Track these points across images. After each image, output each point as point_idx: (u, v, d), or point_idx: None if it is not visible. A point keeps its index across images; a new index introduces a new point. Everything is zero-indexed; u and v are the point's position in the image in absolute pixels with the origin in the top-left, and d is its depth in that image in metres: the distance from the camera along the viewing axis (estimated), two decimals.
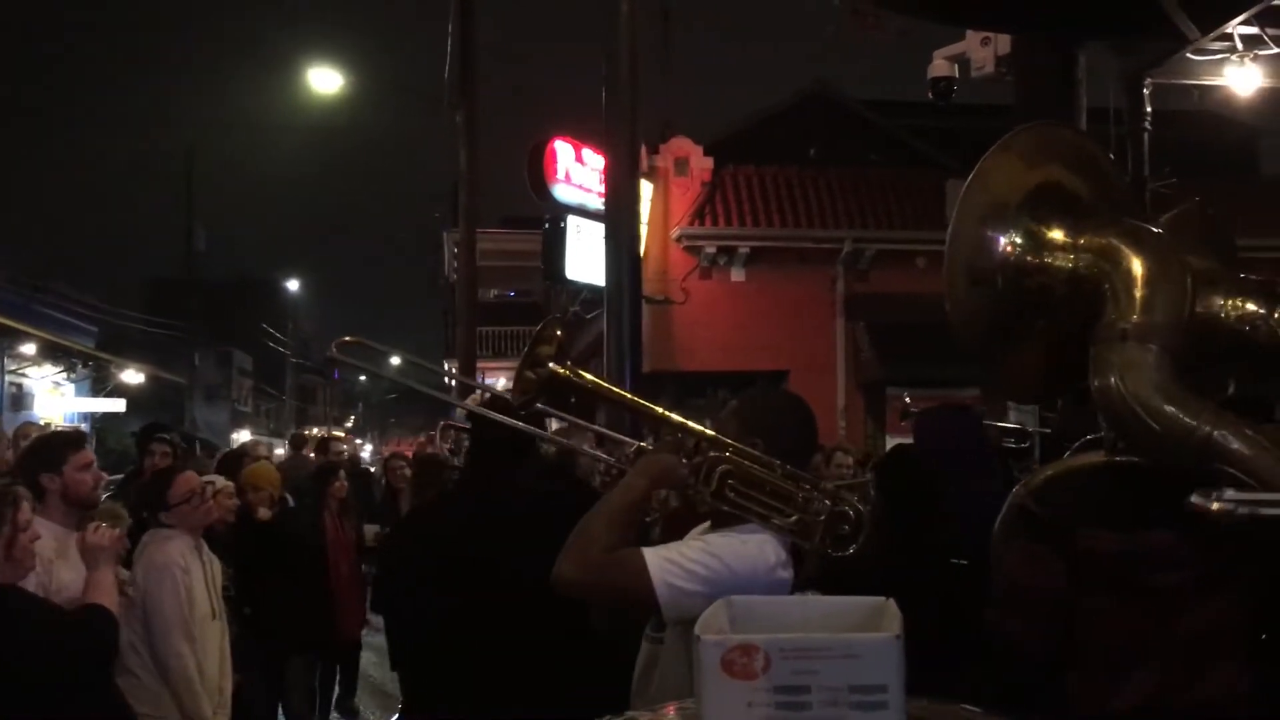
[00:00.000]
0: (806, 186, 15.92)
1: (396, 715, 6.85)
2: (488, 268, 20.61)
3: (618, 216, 5.90)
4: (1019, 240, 2.36)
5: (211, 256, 45.59)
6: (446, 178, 20.46)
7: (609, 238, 6.00)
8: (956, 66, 8.79)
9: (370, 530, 7.40)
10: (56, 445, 4.14)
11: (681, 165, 15.43)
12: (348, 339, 2.73)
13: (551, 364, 2.37)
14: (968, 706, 1.92)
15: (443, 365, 15.52)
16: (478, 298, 18.68)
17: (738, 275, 15.52)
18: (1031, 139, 2.50)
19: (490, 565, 3.30)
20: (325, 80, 17.03)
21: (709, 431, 2.36)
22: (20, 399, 25.29)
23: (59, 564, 3.53)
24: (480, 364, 18.72)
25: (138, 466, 5.97)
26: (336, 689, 7.56)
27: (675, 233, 15.23)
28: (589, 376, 2.50)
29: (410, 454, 11.45)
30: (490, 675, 3.37)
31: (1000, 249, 2.37)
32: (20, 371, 25.35)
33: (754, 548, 2.23)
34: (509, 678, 3.48)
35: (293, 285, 49.46)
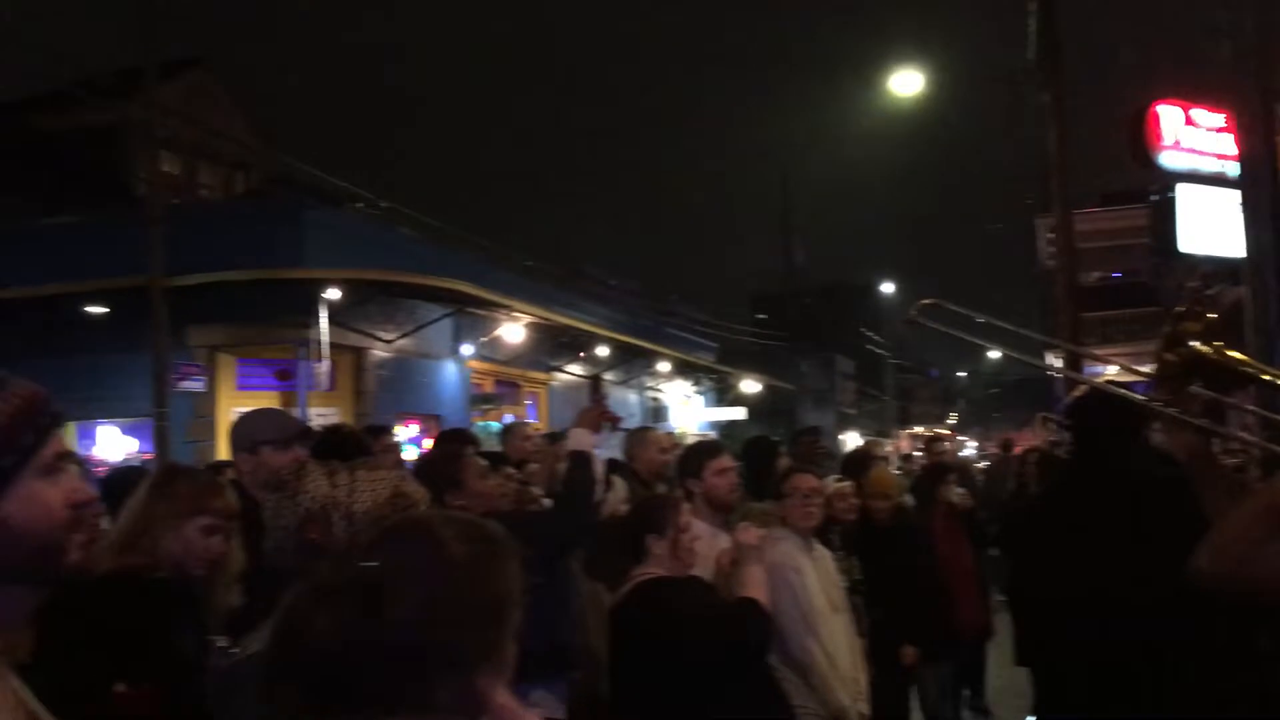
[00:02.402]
0: None
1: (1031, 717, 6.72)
2: (1086, 250, 19.43)
3: (1253, 178, 5.27)
4: None
5: (809, 267, 48.26)
6: (1033, 160, 19.62)
7: (1245, 204, 5.37)
8: None
9: (958, 492, 7.20)
10: (697, 454, 4.66)
11: None
12: (926, 301, 2.73)
13: (1194, 343, 2.20)
14: None
15: (1043, 357, 14.90)
16: (1077, 283, 17.70)
17: None
18: None
19: (1105, 557, 3.15)
20: (906, 83, 17.21)
21: None
22: (659, 412, 28.67)
23: (709, 560, 3.97)
24: (1086, 351, 17.67)
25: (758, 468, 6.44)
26: (966, 689, 7.57)
27: None
28: (1239, 356, 2.26)
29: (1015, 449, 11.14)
30: (1126, 673, 3.19)
31: None
32: (657, 387, 28.76)
33: None
34: (1146, 676, 3.25)
35: (886, 287, 50.49)
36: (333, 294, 15.26)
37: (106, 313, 15.25)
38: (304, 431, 3.52)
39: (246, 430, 3.45)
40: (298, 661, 1.24)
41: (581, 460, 3.72)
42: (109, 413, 15.22)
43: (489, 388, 21.15)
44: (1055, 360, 13.10)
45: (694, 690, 3.29)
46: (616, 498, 4.84)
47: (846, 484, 5.50)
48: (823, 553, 4.61)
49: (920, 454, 16.96)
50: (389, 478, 2.05)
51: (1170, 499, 3.33)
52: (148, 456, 14.44)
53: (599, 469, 3.82)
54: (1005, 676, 7.95)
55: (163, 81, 16.18)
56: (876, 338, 49.94)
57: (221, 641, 2.79)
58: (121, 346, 14.87)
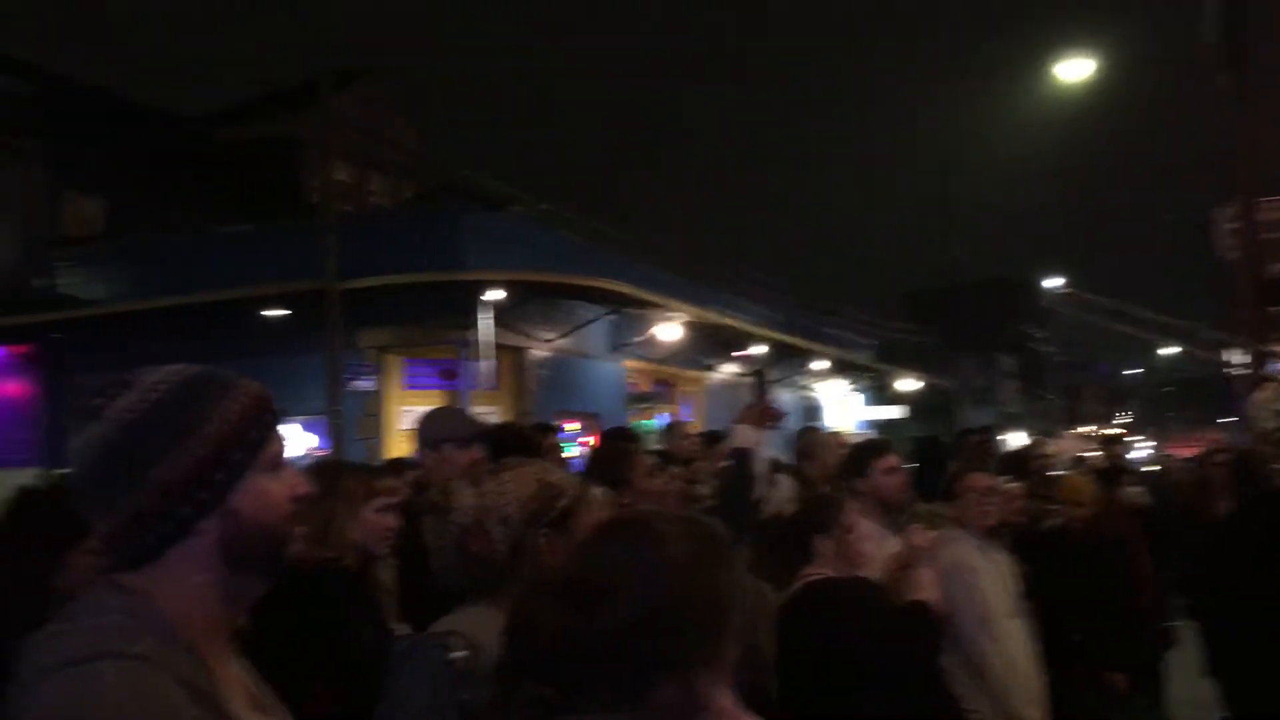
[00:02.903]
0: None
1: None
2: (1270, 240, 18.34)
3: None
4: None
5: (970, 262, 47.03)
6: (1212, 148, 18.64)
7: None
8: None
9: (1134, 491, 6.91)
10: (863, 452, 4.59)
11: None
12: (1066, 290, 2.64)
13: None
14: None
15: (1219, 353, 14.16)
16: (1263, 275, 16.72)
17: None
18: None
19: None
20: (1075, 70, 16.57)
21: None
22: (815, 410, 28.41)
23: (877, 561, 3.92)
24: (1273, 346, 16.68)
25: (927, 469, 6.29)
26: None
27: None
28: None
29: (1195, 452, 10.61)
30: None
31: None
32: (813, 386, 28.51)
33: None
34: None
35: (1051, 282, 48.70)
36: (494, 295, 15.66)
37: (284, 316, 16.03)
38: (483, 431, 3.66)
39: (430, 429, 3.61)
40: (525, 659, 1.29)
41: (743, 458, 3.71)
42: (288, 411, 15.95)
43: (645, 387, 21.33)
44: (1238, 357, 12.40)
45: (863, 692, 3.25)
46: (780, 496, 4.81)
47: (1016, 485, 5.32)
48: (1000, 556, 4.48)
49: (1093, 454, 16.29)
50: (531, 472, 2.09)
51: None
52: (322, 453, 15.12)
53: (761, 467, 3.80)
54: (1186, 687, 7.59)
55: (335, 93, 16.90)
56: (1041, 334, 48.22)
57: (401, 629, 2.92)
58: (298, 348, 15.61)
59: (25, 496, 2.42)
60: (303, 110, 18.23)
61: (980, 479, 4.46)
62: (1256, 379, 9.55)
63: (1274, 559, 3.15)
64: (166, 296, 16.57)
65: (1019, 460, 7.60)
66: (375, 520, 3.00)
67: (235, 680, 1.33)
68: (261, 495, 1.32)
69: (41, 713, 1.11)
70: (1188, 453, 24.94)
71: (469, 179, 20.46)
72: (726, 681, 1.33)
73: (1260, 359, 12.23)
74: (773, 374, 25.19)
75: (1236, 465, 5.69)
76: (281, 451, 1.37)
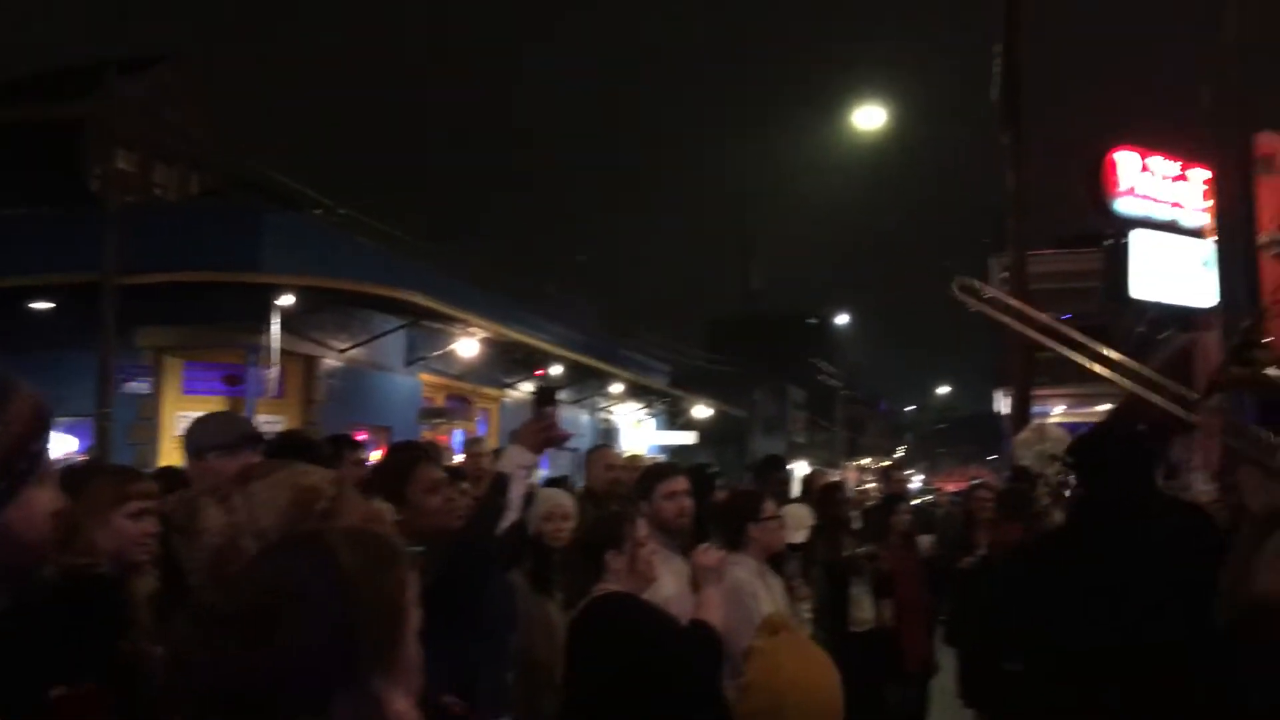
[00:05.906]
0: None
1: None
2: (1040, 290, 19.67)
3: (1229, 229, 5.41)
4: None
5: (768, 295, 48.65)
6: (990, 200, 19.90)
7: (1220, 253, 5.52)
8: None
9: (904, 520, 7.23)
10: (649, 476, 4.63)
11: (1267, 163, 13.68)
12: (966, 281, 2.82)
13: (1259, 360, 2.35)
14: None
15: (993, 394, 15.10)
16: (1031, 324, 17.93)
17: None
18: None
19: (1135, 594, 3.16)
20: (869, 118, 17.41)
21: None
22: (610, 433, 28.63)
23: (660, 582, 3.93)
24: (1035, 391, 17.89)
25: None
26: None
27: (1263, 239, 13.51)
28: None
29: (963, 486, 11.22)
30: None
31: None
32: (609, 409, 28.74)
33: None
34: None
35: (841, 319, 50.94)
36: (286, 300, 15.07)
37: (53, 308, 14.93)
38: (252, 435, 3.36)
39: (194, 436, 3.31)
40: (188, 692, 1.23)
41: (500, 485, 3.49)
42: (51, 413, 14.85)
43: (440, 402, 20.98)
44: (1004, 399, 13.24)
45: (644, 708, 3.24)
46: (536, 514, 4.69)
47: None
48: (777, 581, 4.60)
49: (871, 484, 17.01)
50: (283, 477, 1.87)
51: (1192, 533, 3.35)
52: (80, 458, 14.13)
53: (519, 491, 3.58)
54: (949, 715, 7.95)
55: (124, 77, 15.95)
56: (829, 368, 50.29)
57: (159, 649, 2.69)
58: (66, 343, 14.54)
59: None
60: (85, 93, 17.12)
61: (768, 506, 4.56)
62: (1020, 420, 10.20)
63: (1098, 587, 3.30)
64: None
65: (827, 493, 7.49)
66: (128, 526, 2.75)
67: None
68: (32, 508, 1.24)
69: None
70: (953, 487, 26.42)
71: (264, 176, 19.63)
72: (408, 684, 1.31)
73: (1025, 402, 13.06)
74: (569, 395, 25.22)
75: (1005, 499, 6.01)
76: (50, 464, 1.28)
